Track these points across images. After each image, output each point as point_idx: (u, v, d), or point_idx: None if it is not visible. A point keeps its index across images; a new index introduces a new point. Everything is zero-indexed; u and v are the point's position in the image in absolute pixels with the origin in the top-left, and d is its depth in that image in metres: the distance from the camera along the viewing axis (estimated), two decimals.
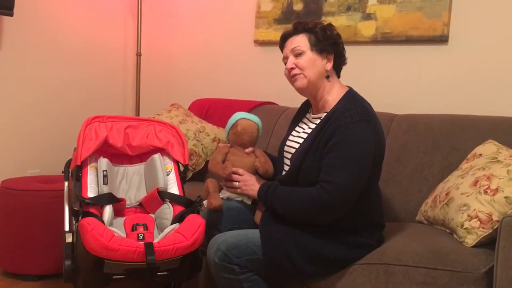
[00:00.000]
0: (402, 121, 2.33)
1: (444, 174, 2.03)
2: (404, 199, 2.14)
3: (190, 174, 2.56)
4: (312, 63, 1.72)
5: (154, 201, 1.90)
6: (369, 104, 1.74)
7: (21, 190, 2.46)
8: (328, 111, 1.72)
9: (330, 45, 1.74)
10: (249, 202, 1.85)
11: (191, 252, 1.64)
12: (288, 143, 1.85)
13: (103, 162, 1.87)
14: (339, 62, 1.79)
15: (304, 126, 1.85)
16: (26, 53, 2.81)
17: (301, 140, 1.77)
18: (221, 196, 1.85)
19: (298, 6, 2.84)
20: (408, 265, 1.58)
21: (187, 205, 1.84)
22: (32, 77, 2.85)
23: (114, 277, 1.62)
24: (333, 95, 1.75)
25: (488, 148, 1.93)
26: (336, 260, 1.64)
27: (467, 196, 1.74)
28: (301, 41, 1.73)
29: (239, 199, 1.85)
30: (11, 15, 2.56)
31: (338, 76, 1.82)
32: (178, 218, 1.77)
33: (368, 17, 2.62)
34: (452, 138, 2.15)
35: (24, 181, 2.58)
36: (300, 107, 1.97)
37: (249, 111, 2.77)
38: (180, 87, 3.38)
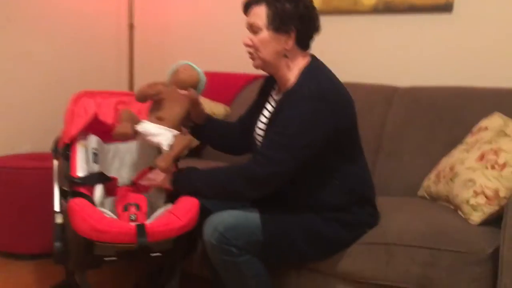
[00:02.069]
0: (404, 95, 2.26)
1: (448, 149, 1.96)
2: (406, 174, 2.09)
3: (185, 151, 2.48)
4: (267, 42, 1.57)
5: None
6: (329, 77, 1.59)
7: (12, 169, 2.41)
8: (289, 89, 1.61)
9: (291, 21, 1.56)
10: (165, 147, 1.64)
11: (185, 233, 1.58)
12: (257, 130, 1.74)
13: (93, 140, 1.79)
14: (305, 36, 1.60)
15: (269, 107, 1.73)
16: (12, 26, 2.69)
17: (264, 127, 1.68)
18: (137, 128, 1.65)
19: None
20: (410, 245, 1.53)
21: None
22: (20, 50, 2.74)
23: (105, 258, 1.56)
24: (294, 72, 1.61)
25: (494, 121, 1.85)
26: (335, 241, 1.59)
27: (473, 171, 1.67)
28: (258, 16, 1.57)
29: (160, 132, 1.64)
30: None
31: (306, 48, 1.63)
32: (172, 198, 1.70)
33: None
34: (456, 111, 2.08)
35: (15, 159, 2.51)
36: (265, 81, 1.83)
37: (249, 83, 2.70)
38: (177, 60, 3.26)
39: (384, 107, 2.25)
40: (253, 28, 1.60)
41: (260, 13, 1.57)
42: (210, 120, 1.87)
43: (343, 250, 1.60)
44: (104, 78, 3.20)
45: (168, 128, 1.67)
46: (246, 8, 1.63)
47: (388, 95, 2.27)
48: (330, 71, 1.63)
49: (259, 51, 1.60)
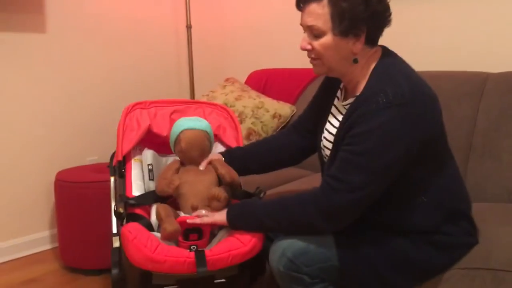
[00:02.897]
0: (499, 81, 1.93)
1: None
2: (507, 176, 1.78)
3: None
4: (332, 48, 1.31)
5: None
6: (407, 74, 1.30)
7: (77, 183, 2.35)
8: (358, 94, 1.34)
9: (362, 21, 1.28)
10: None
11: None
12: (325, 141, 1.48)
13: (148, 155, 1.66)
14: (376, 34, 1.34)
15: (336, 113, 1.47)
16: (72, 35, 2.65)
17: (332, 138, 1.42)
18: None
19: None
20: None
21: (244, 199, 1.59)
22: (82, 60, 2.70)
23: (165, 287, 1.42)
24: (364, 73, 1.35)
25: None
26: (427, 265, 1.33)
27: None
28: (319, 17, 1.28)
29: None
30: None
31: (376, 44, 1.36)
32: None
33: None
34: None
35: (79, 172, 2.46)
36: (326, 78, 1.56)
37: (315, 79, 2.47)
38: (237, 58, 3.12)
39: (474, 98, 1.94)
40: (312, 31, 1.32)
41: (322, 13, 1.28)
42: (243, 158, 1.64)
43: (438, 276, 1.34)
44: (166, 83, 3.11)
45: (205, 210, 1.50)
46: (301, 3, 1.34)
47: (478, 84, 1.96)
48: (406, 65, 1.35)
49: (323, 58, 1.34)
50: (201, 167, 1.57)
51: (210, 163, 1.58)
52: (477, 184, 1.82)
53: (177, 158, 1.66)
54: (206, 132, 1.59)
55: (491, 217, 1.53)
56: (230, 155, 1.65)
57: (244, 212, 1.41)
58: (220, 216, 1.44)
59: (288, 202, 1.35)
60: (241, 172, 1.63)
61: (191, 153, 1.56)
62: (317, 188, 1.31)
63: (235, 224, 1.42)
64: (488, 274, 1.28)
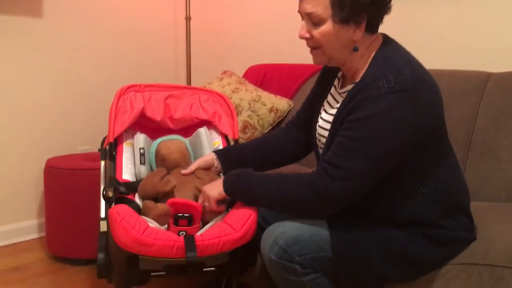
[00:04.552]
0: (500, 81, 1.90)
1: None
2: (506, 176, 1.74)
3: None
4: (332, 36, 1.27)
5: None
6: (409, 61, 1.28)
7: (67, 169, 2.29)
8: (357, 81, 1.30)
9: (363, 8, 1.25)
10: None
11: (242, 245, 1.36)
12: (319, 129, 1.45)
13: (140, 138, 1.61)
14: (375, 21, 1.31)
15: (332, 101, 1.43)
16: (69, 21, 2.61)
17: (329, 126, 1.38)
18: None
19: None
20: None
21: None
22: (77, 47, 2.65)
23: (152, 274, 1.38)
24: (365, 59, 1.32)
25: None
26: (422, 259, 1.29)
27: None
28: (319, 3, 1.25)
29: None
30: None
31: (375, 31, 1.33)
32: (227, 204, 1.48)
33: None
34: None
35: (70, 159, 2.41)
36: (323, 69, 1.54)
37: (313, 74, 2.44)
38: (235, 52, 3.08)
39: (475, 96, 1.91)
40: (311, 19, 1.28)
41: (321, 0, 1.25)
42: (241, 159, 1.60)
43: (433, 271, 1.30)
44: (163, 73, 3.07)
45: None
46: None
47: (479, 83, 1.93)
48: (407, 52, 1.32)
49: (322, 47, 1.30)
50: (184, 172, 1.56)
51: (193, 172, 1.57)
52: (476, 183, 1.78)
53: None
54: (182, 141, 1.62)
55: (489, 215, 1.50)
56: (227, 157, 1.61)
57: (239, 184, 1.38)
58: (217, 191, 1.41)
59: (284, 182, 1.31)
60: None
61: (172, 155, 1.57)
62: (314, 172, 1.28)
63: (231, 193, 1.41)
64: (486, 270, 1.24)
